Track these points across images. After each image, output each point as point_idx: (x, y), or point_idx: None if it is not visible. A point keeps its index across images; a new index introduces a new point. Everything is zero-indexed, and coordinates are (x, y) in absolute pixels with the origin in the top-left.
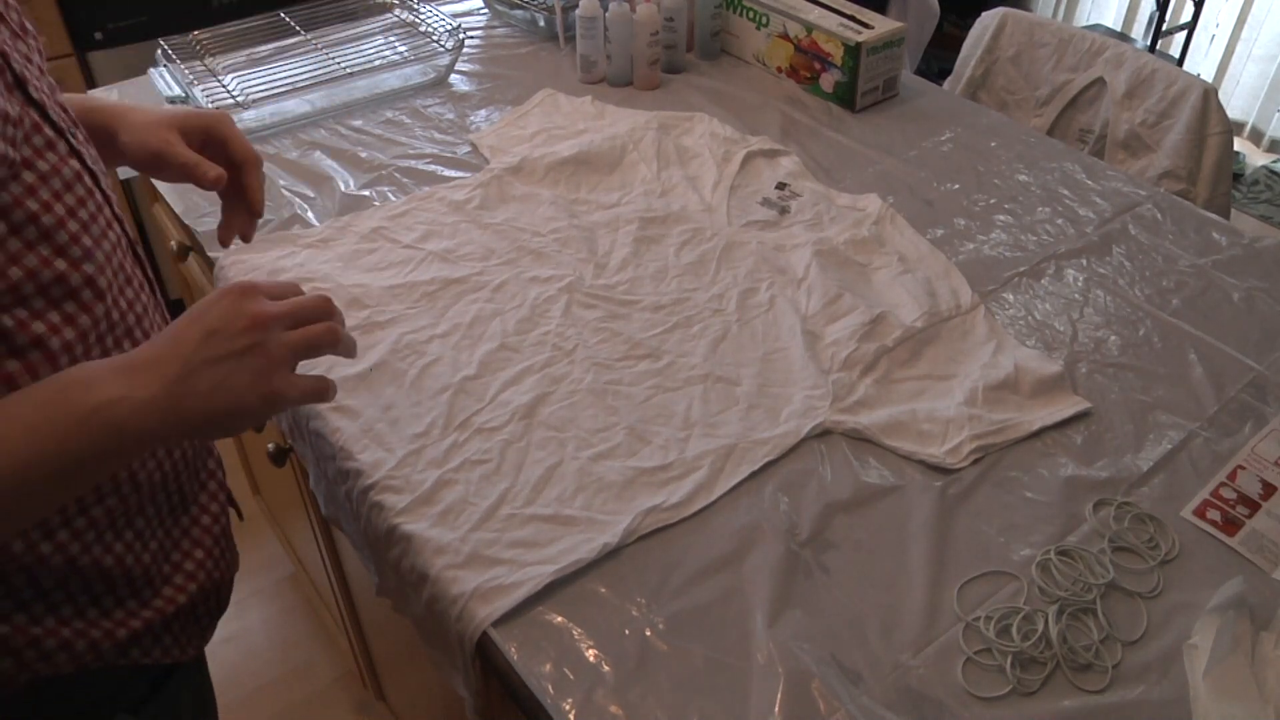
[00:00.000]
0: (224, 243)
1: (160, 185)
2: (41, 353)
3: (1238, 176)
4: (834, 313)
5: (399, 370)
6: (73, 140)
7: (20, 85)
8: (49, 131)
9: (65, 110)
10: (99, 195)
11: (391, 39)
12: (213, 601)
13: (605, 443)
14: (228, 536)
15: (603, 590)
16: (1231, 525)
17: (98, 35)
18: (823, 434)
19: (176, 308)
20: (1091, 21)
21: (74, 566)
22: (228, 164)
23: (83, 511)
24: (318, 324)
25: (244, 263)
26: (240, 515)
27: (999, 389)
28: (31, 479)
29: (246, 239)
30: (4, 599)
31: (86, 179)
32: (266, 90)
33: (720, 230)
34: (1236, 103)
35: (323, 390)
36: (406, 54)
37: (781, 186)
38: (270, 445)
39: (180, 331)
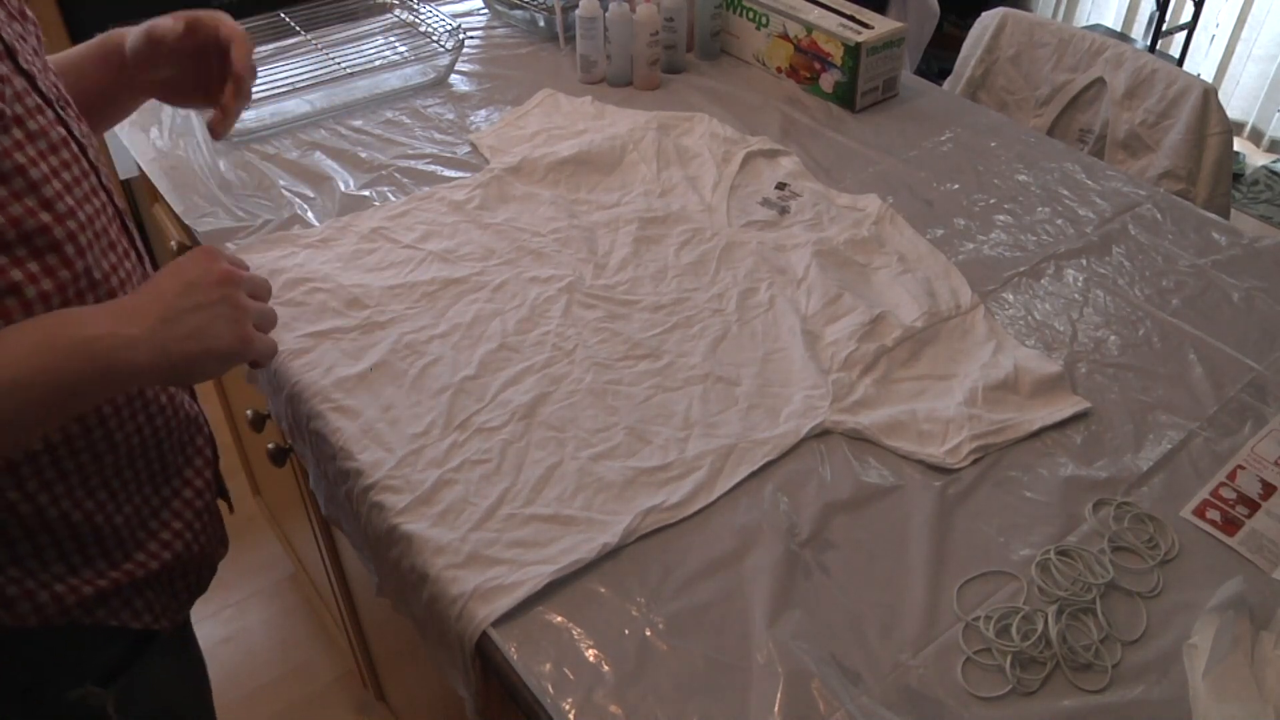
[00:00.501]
0: (216, 133)
1: (160, 185)
2: (17, 299)
3: (1238, 176)
4: (834, 313)
5: (399, 370)
6: (61, 112)
7: (10, 55)
8: (38, 98)
9: (57, 87)
10: (85, 163)
11: (391, 39)
12: (191, 576)
13: (605, 443)
14: (212, 514)
15: (603, 590)
16: (1231, 525)
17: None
18: (823, 434)
19: None
20: (1091, 21)
21: (41, 518)
22: (218, 47)
23: (54, 463)
24: (267, 303)
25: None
26: (230, 507)
27: (999, 389)
28: (32, 397)
29: (228, 114)
30: None
31: (73, 146)
32: (266, 90)
33: (720, 230)
34: (1236, 103)
35: (274, 352)
36: (406, 54)
37: (781, 186)
38: (270, 445)
39: (160, 283)
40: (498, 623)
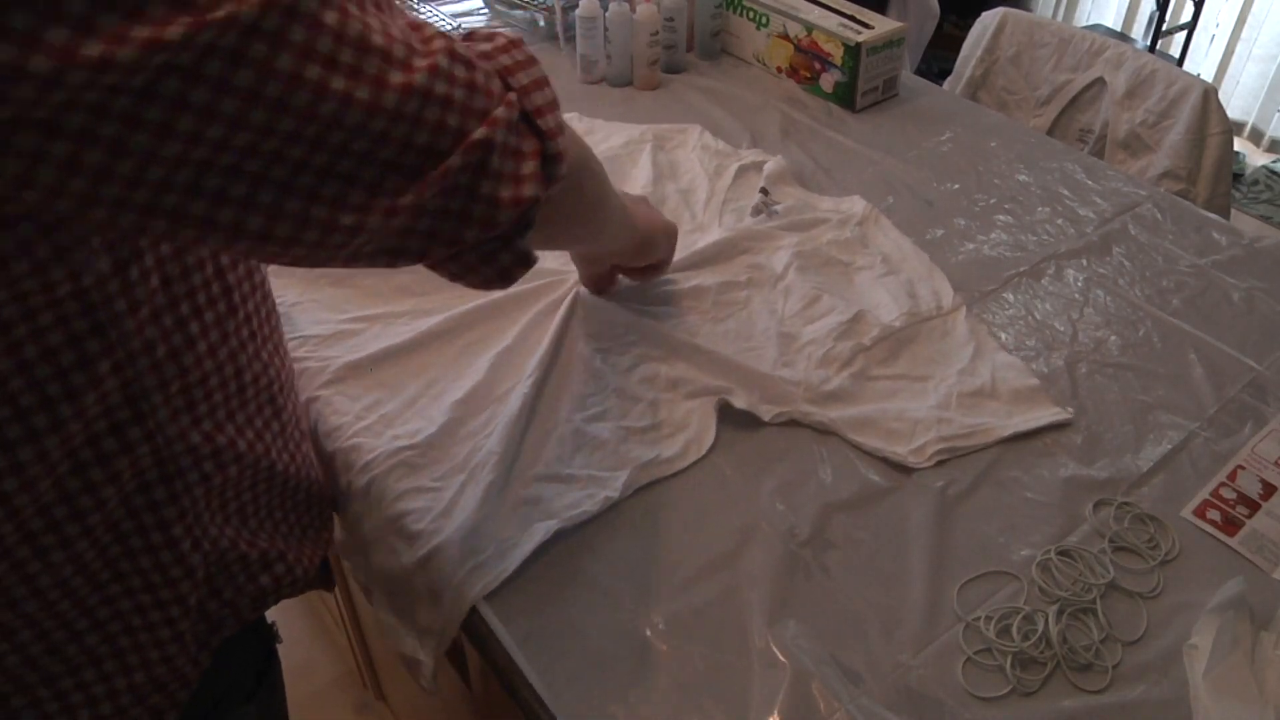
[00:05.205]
0: None
1: None
2: None
3: (1238, 176)
4: (811, 314)
5: (439, 349)
6: None
7: None
8: None
9: None
10: None
11: None
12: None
13: (597, 405)
14: None
15: (603, 590)
16: (1231, 525)
17: None
18: (823, 434)
19: None
20: (1091, 21)
21: (297, 478)
22: None
23: (297, 422)
24: None
25: None
26: None
27: (974, 395)
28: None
29: None
30: (254, 515)
31: None
32: None
33: (709, 238)
34: (1236, 103)
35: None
36: None
37: (765, 192)
38: None
39: (654, 216)
40: (500, 618)
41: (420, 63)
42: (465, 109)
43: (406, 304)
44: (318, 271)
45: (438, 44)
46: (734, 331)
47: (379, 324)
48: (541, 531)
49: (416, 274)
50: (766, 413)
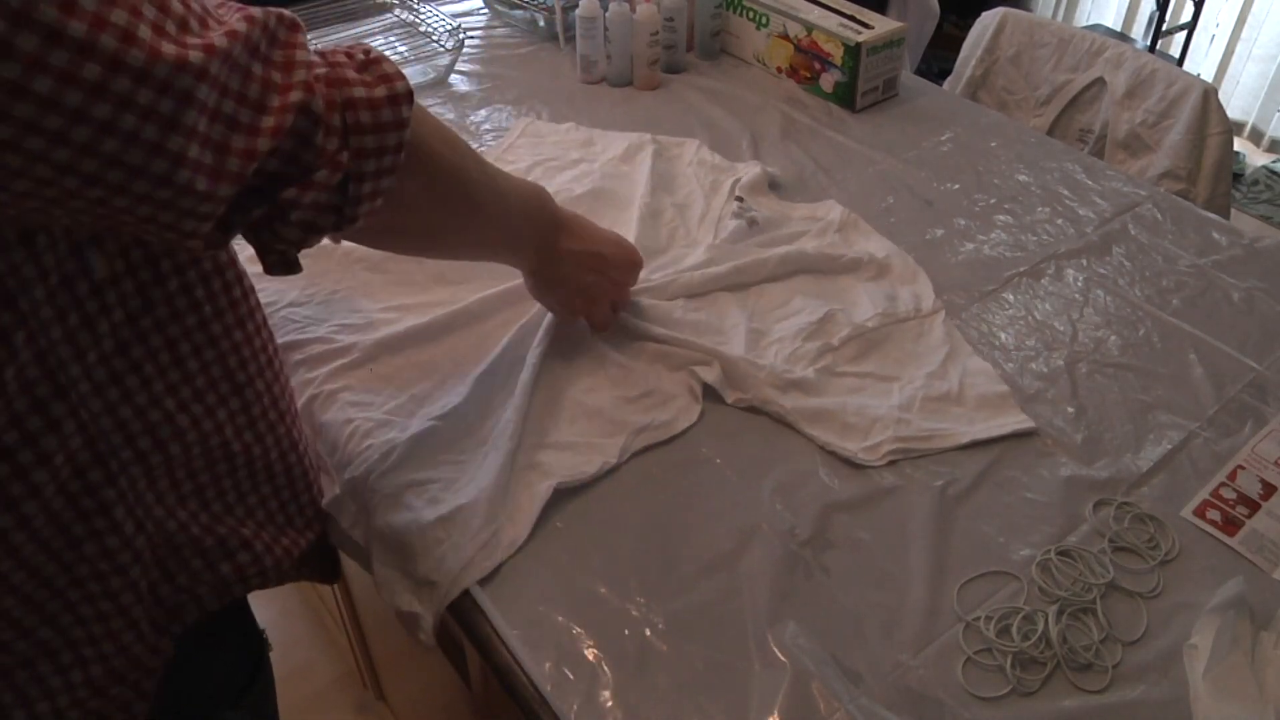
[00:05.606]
0: None
1: None
2: None
3: (1238, 176)
4: (782, 314)
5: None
6: None
7: None
8: None
9: None
10: None
11: (391, 39)
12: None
13: (592, 377)
14: None
15: (603, 590)
16: (1231, 525)
17: None
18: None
19: None
20: (1091, 21)
21: (267, 462)
22: None
23: (273, 404)
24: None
25: None
26: None
27: (939, 400)
28: (505, 202)
29: None
30: (215, 500)
31: None
32: None
33: (696, 256)
34: (1236, 103)
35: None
36: (406, 54)
37: (740, 200)
38: None
39: (599, 234)
40: (500, 619)
41: (267, 123)
42: (294, 161)
43: (442, 293)
44: (353, 257)
45: (294, 97)
46: (704, 324)
47: (414, 313)
48: (543, 491)
49: (452, 263)
50: (729, 395)
